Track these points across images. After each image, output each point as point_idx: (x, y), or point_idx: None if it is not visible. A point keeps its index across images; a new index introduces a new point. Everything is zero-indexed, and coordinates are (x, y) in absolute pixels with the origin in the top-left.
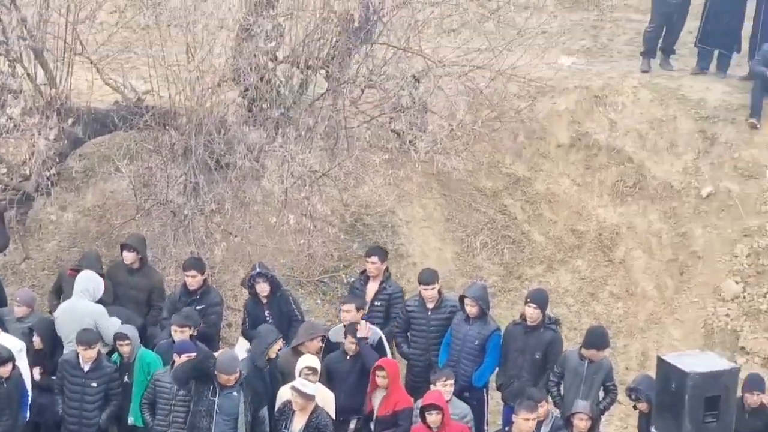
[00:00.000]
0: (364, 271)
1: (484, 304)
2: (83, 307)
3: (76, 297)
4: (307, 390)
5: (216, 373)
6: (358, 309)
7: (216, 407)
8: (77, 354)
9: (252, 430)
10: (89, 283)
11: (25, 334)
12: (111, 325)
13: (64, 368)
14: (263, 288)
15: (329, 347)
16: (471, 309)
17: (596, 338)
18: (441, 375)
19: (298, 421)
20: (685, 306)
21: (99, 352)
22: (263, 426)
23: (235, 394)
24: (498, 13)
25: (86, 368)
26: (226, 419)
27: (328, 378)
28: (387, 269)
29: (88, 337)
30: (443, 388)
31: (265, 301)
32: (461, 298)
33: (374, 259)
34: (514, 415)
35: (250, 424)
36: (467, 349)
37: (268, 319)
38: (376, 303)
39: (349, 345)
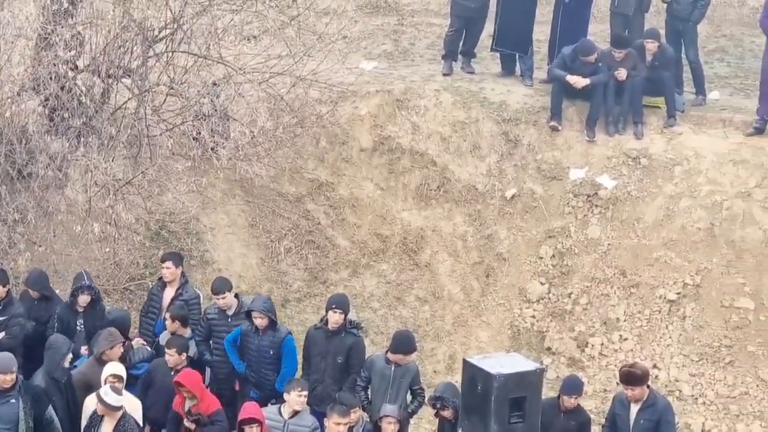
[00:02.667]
0: (161, 277)
1: (273, 314)
2: None
3: None
4: (109, 400)
5: None
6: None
7: None
8: None
9: None
10: None
11: None
12: None
13: None
14: (84, 299)
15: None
16: (260, 321)
17: (402, 342)
18: (296, 385)
19: (107, 428)
20: (492, 308)
21: None
22: (52, 426)
23: (12, 401)
24: (298, 19)
25: None
26: (5, 427)
27: (149, 385)
28: (184, 275)
29: None
30: (298, 398)
31: (81, 310)
32: (248, 313)
33: (168, 264)
34: (326, 419)
35: (32, 430)
36: (263, 359)
37: (79, 328)
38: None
39: (168, 357)
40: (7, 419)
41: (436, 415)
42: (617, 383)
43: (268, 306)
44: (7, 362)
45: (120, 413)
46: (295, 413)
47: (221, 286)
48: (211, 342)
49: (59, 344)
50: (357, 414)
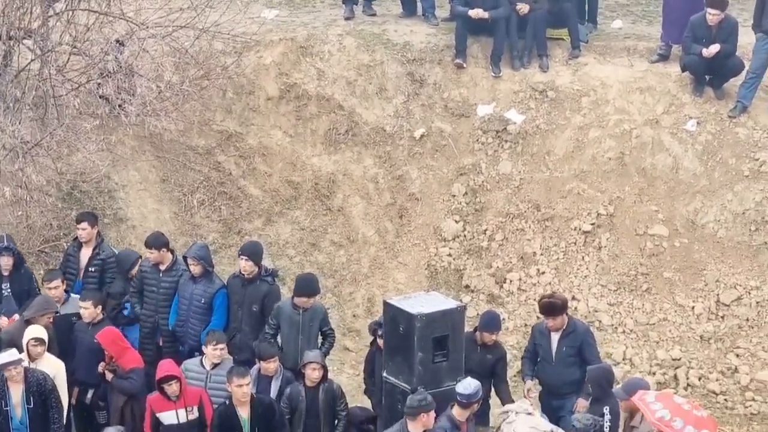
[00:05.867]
0: (76, 238)
1: (207, 262)
2: None
3: None
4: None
5: None
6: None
7: None
8: None
9: None
10: None
11: None
12: None
13: None
14: (6, 262)
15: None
16: (194, 268)
17: (305, 285)
18: (211, 338)
19: (16, 391)
20: (407, 249)
21: None
22: None
23: None
24: None
25: None
26: None
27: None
28: (99, 234)
29: None
30: (213, 351)
31: (6, 274)
32: (185, 258)
33: (84, 224)
34: (227, 384)
35: None
36: (194, 308)
37: (4, 292)
38: (90, 269)
39: (83, 311)
40: None
41: (372, 344)
42: (537, 317)
43: (202, 253)
44: None
45: (21, 372)
46: (216, 365)
47: (152, 241)
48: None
49: None
50: (275, 363)
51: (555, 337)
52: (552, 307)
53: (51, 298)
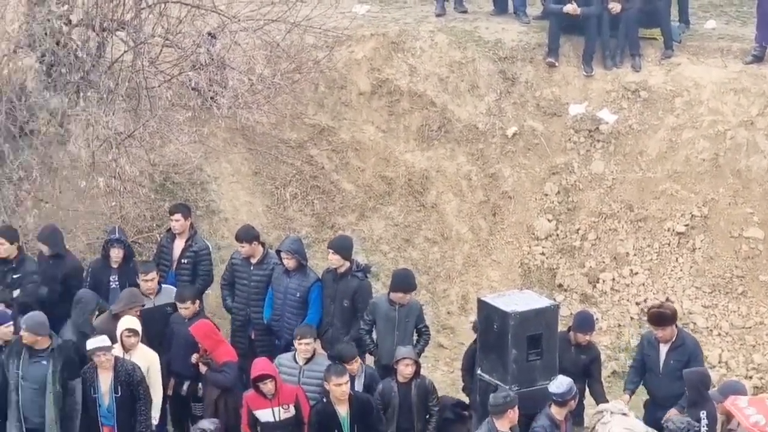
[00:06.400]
0: (170, 229)
1: (301, 256)
2: None
3: None
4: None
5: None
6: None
7: (21, 375)
8: None
9: (62, 400)
10: None
11: None
12: None
13: None
14: (117, 254)
15: None
16: (288, 262)
17: (401, 280)
18: (298, 333)
19: (105, 379)
20: (501, 246)
21: None
22: (74, 396)
23: (44, 362)
24: None
25: None
26: (32, 387)
27: (170, 338)
28: (192, 226)
29: None
30: (300, 346)
31: (115, 266)
32: (278, 252)
33: (177, 216)
34: (325, 383)
35: (60, 394)
36: (289, 302)
37: (111, 285)
38: (183, 261)
39: (182, 311)
40: (34, 379)
41: (475, 341)
42: (630, 318)
43: (296, 247)
44: (37, 325)
45: (112, 359)
46: (309, 359)
47: (243, 234)
48: None
49: (87, 299)
50: (357, 363)
51: (663, 349)
52: (661, 317)
53: (138, 291)
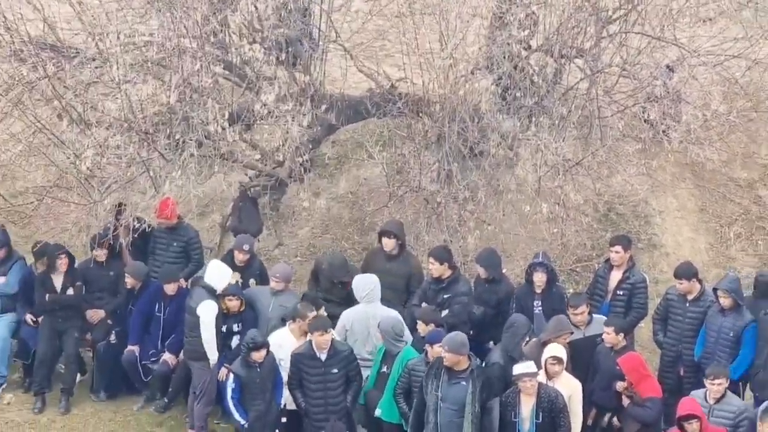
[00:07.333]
0: (608, 260)
1: (738, 295)
2: (381, 313)
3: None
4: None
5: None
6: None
7: (441, 396)
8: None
9: (480, 420)
10: (370, 284)
11: (283, 307)
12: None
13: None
14: (540, 278)
15: None
16: (724, 301)
17: None
18: (711, 372)
19: (527, 404)
20: None
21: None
22: (491, 416)
23: (463, 383)
24: (755, 0)
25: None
26: (452, 408)
27: (594, 369)
28: (631, 258)
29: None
30: (712, 386)
31: (538, 291)
32: (714, 291)
33: (618, 248)
34: (760, 422)
35: (478, 415)
36: (722, 341)
37: (535, 309)
38: (618, 292)
39: (606, 336)
40: (454, 400)
41: None
42: None
43: (734, 286)
44: (459, 345)
45: (536, 386)
46: (718, 399)
47: (682, 271)
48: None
49: (520, 324)
50: None
51: None
52: None
53: (565, 319)
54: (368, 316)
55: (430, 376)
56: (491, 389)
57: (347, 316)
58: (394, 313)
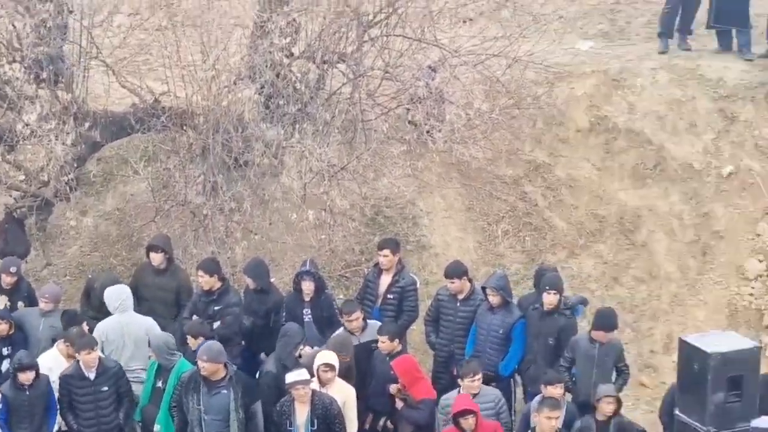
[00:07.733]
0: (377, 264)
1: (506, 293)
2: (135, 321)
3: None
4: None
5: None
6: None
7: (203, 410)
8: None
9: (245, 426)
10: (122, 295)
11: (54, 328)
12: (162, 335)
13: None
14: (308, 287)
15: None
16: (493, 299)
17: (604, 320)
18: (468, 371)
19: (302, 412)
20: (709, 287)
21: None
22: (254, 421)
23: (224, 391)
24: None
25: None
26: (216, 418)
27: (371, 373)
28: (400, 261)
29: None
30: (471, 383)
31: (307, 299)
32: (483, 289)
33: (386, 252)
34: (535, 413)
35: (243, 421)
36: (492, 338)
37: (305, 318)
38: (389, 296)
39: (381, 344)
40: (218, 410)
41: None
42: None
43: (501, 284)
44: (216, 353)
45: (309, 393)
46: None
47: (452, 270)
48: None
49: (293, 333)
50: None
51: None
52: None
53: (347, 337)
54: (122, 325)
55: (189, 391)
56: (251, 395)
57: (101, 327)
58: (150, 322)
